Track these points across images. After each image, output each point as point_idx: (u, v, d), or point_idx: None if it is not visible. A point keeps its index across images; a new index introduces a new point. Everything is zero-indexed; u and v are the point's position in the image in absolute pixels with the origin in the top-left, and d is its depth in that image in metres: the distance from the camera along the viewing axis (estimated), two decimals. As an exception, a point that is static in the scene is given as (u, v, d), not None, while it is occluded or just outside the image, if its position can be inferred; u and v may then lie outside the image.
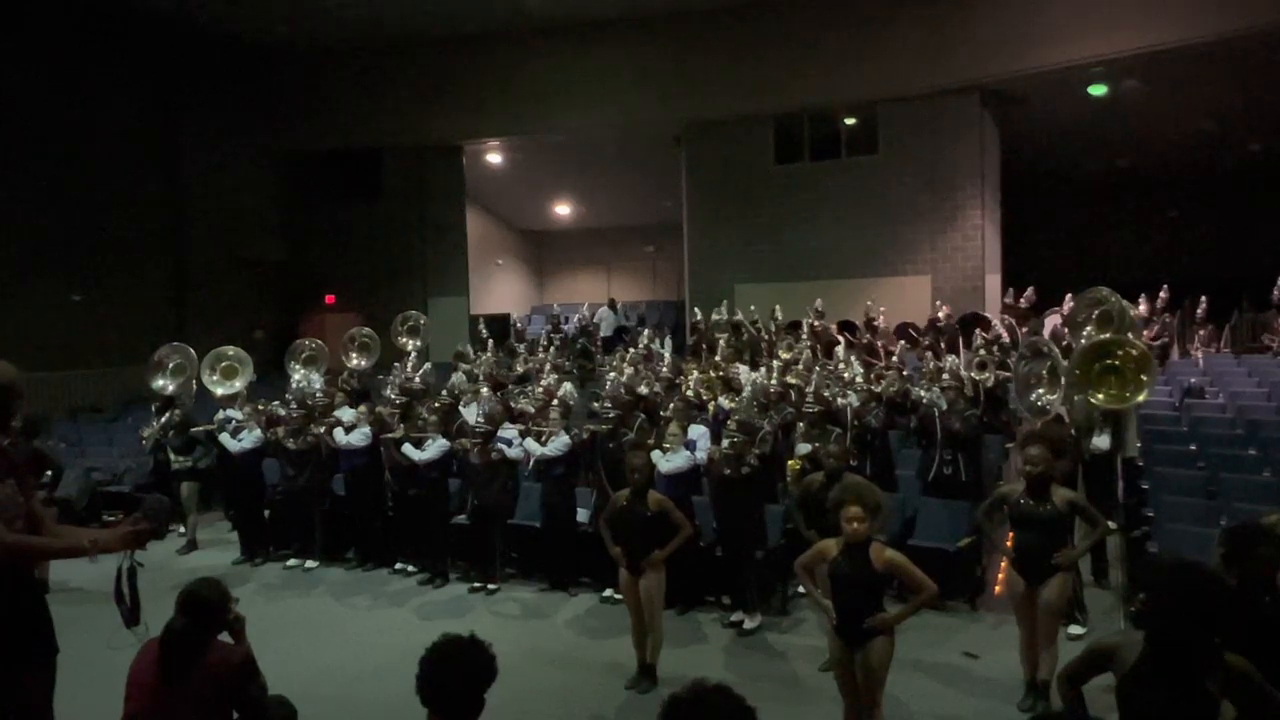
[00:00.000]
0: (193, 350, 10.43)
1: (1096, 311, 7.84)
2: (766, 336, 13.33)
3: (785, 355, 11.38)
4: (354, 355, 11.79)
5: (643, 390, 9.46)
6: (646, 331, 14.09)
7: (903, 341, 12.59)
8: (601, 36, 17.06)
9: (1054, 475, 5.34)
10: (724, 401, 9.24)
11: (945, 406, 7.95)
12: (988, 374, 9.84)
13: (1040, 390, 7.24)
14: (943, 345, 12.39)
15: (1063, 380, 6.93)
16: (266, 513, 9.42)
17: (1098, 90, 14.73)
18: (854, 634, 4.41)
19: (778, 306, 13.95)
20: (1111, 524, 7.37)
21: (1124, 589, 2.81)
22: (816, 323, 13.34)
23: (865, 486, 5.22)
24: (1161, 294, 12.76)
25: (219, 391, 10.11)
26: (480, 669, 2.54)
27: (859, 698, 4.48)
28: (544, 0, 15.71)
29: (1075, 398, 7.01)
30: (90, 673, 5.62)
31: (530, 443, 8.10)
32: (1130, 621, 2.84)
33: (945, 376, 8.51)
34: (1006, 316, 13.36)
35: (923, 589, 4.40)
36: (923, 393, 8.52)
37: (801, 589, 5.17)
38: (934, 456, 7.93)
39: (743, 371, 10.61)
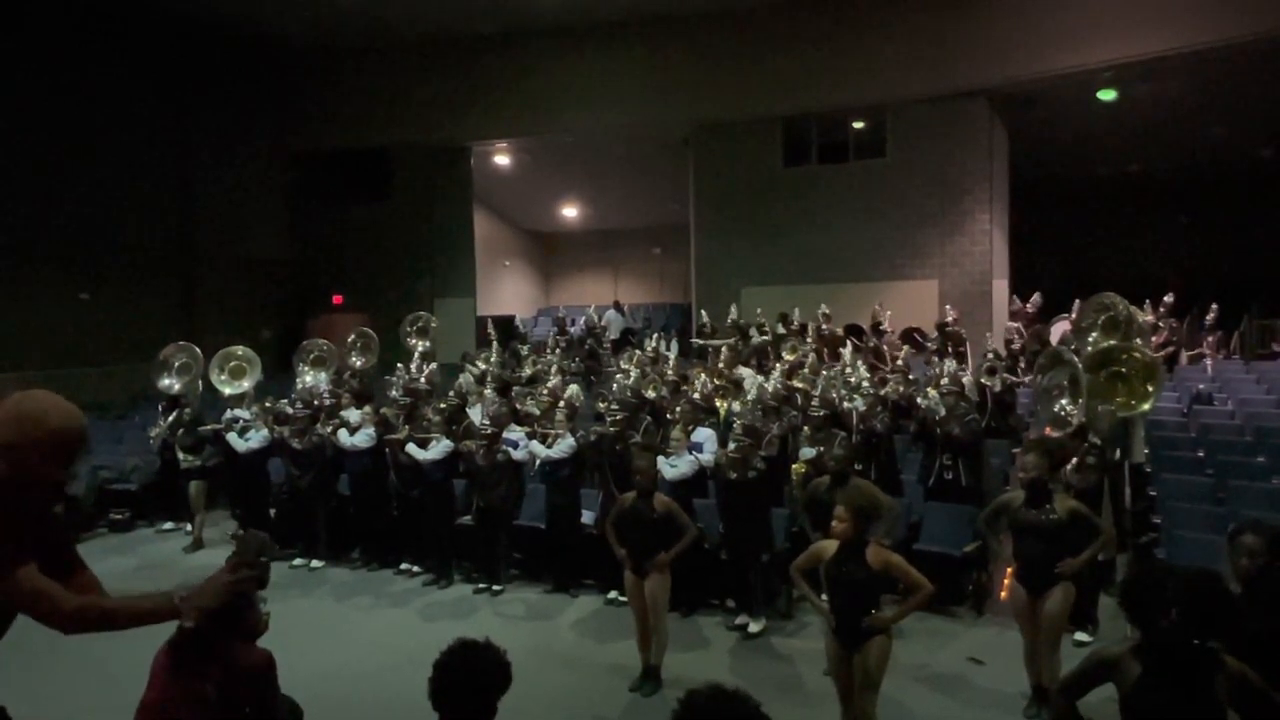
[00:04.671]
0: (198, 349, 10.48)
1: (1103, 317, 7.80)
2: (769, 336, 13.32)
3: (789, 357, 11.37)
4: (354, 355, 11.85)
5: (649, 393, 9.47)
6: (655, 334, 14.09)
7: (908, 346, 12.57)
8: (610, 38, 17.08)
9: (1050, 482, 5.30)
10: (735, 405, 9.22)
11: (944, 412, 7.93)
12: (996, 379, 9.81)
13: (1063, 401, 7.10)
14: (949, 349, 12.36)
15: (1084, 390, 6.80)
16: (272, 512, 9.45)
17: (1107, 95, 14.69)
18: (852, 635, 4.41)
19: (797, 310, 13.95)
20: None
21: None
22: (824, 326, 13.33)
23: (858, 491, 5.22)
24: (1166, 299, 12.71)
25: (227, 391, 10.15)
26: (494, 675, 2.54)
27: (855, 699, 4.48)
28: (554, 1, 15.74)
29: (1100, 408, 6.92)
30: (104, 674, 5.66)
31: (536, 444, 8.11)
32: (1135, 626, 2.82)
33: (945, 381, 8.48)
34: (1014, 322, 13.32)
35: (919, 588, 4.41)
36: (920, 400, 8.51)
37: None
38: (934, 462, 7.91)
39: (748, 375, 10.60)
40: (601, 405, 8.79)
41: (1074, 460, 6.61)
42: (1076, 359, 7.33)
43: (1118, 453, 7.08)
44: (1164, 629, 2.62)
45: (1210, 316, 13.01)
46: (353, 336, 12.07)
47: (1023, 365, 11.51)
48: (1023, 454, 5.41)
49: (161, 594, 2.36)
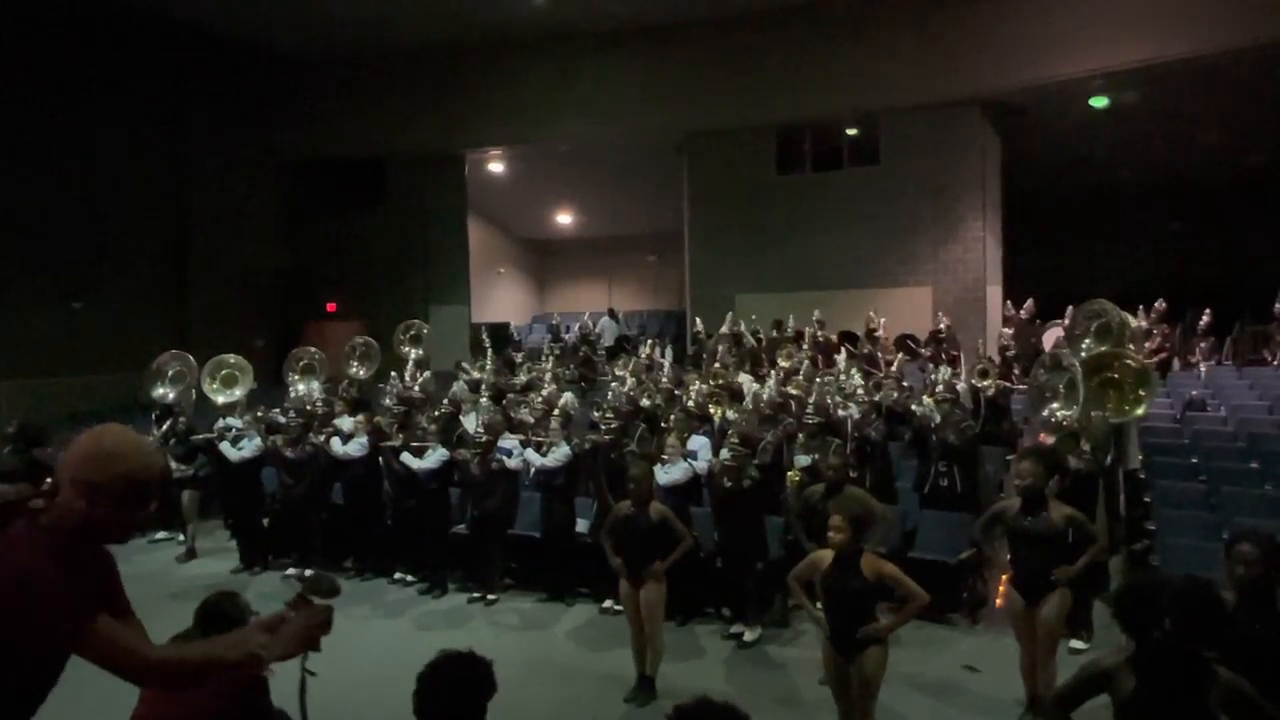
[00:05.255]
0: (192, 358, 10.44)
1: (1095, 324, 7.82)
2: (762, 342, 13.33)
3: (785, 364, 11.37)
4: (355, 364, 11.80)
5: (644, 401, 9.46)
6: (649, 341, 14.08)
7: (902, 353, 12.58)
8: (604, 46, 17.12)
9: (1046, 489, 5.30)
10: (730, 413, 9.21)
11: (939, 419, 7.94)
12: (988, 382, 9.80)
13: (1055, 405, 7.17)
14: (943, 356, 12.37)
15: (1080, 395, 6.85)
16: (265, 521, 9.41)
17: (1099, 102, 14.77)
18: (848, 644, 4.41)
19: (791, 317, 13.98)
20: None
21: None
22: (819, 333, 13.34)
23: (853, 499, 5.23)
24: (1157, 305, 12.77)
25: (219, 399, 10.11)
26: (477, 685, 2.53)
27: (853, 708, 4.48)
28: (548, 7, 15.76)
29: (1093, 413, 6.96)
30: (96, 686, 5.61)
31: (530, 453, 8.09)
32: (1129, 634, 2.82)
33: (940, 389, 8.50)
34: (1008, 328, 13.36)
35: (914, 598, 4.42)
36: (915, 407, 8.52)
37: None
38: (929, 469, 7.92)
39: (745, 382, 10.59)
40: (597, 415, 8.77)
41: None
42: (1078, 365, 7.37)
43: (1108, 458, 7.09)
44: (1158, 639, 2.62)
45: (1203, 322, 13.05)
46: (357, 341, 12.02)
47: (1016, 371, 11.53)
48: (1019, 461, 5.42)
49: (236, 640, 2.18)
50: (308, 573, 2.53)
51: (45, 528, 1.99)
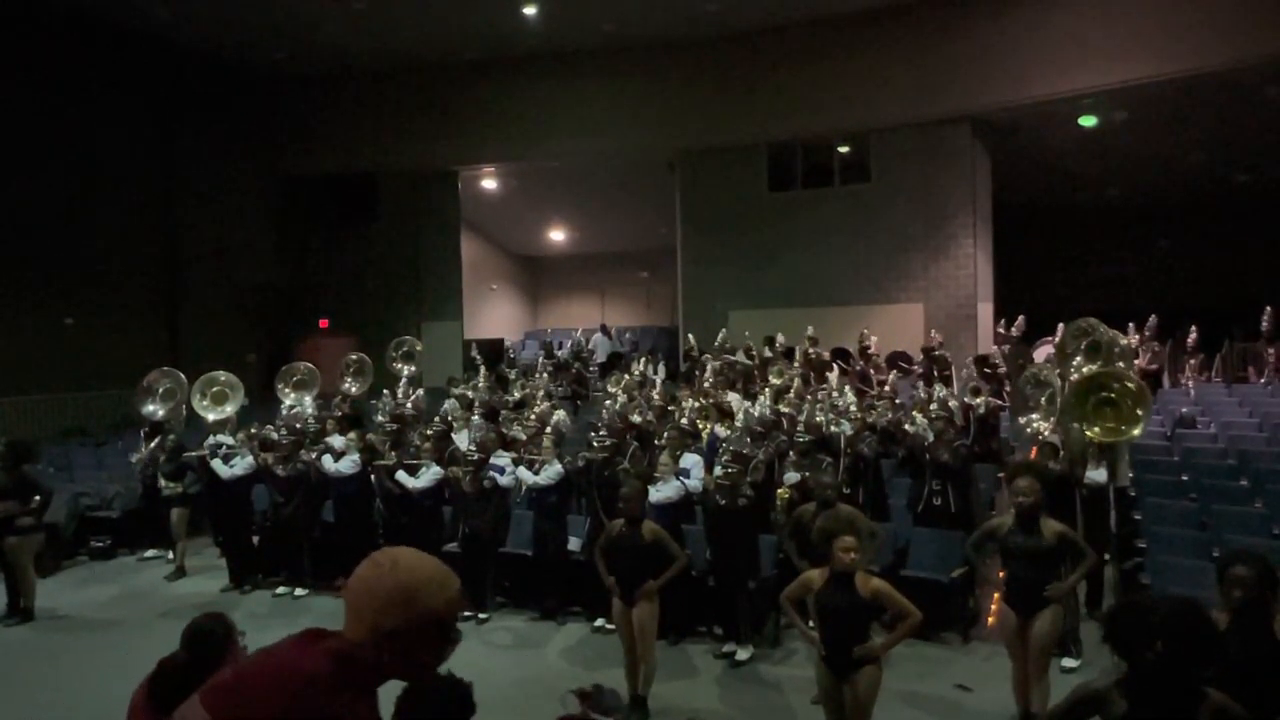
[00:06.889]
0: (182, 375, 10.40)
1: (1084, 342, 7.87)
2: (756, 360, 13.35)
3: (777, 381, 11.38)
4: (348, 380, 11.77)
5: (635, 418, 9.45)
6: (641, 358, 14.09)
7: (894, 372, 12.62)
8: (597, 63, 17.22)
9: (1042, 507, 5.32)
10: (720, 430, 9.21)
11: (933, 437, 7.96)
12: (980, 400, 9.84)
13: (1034, 416, 7.31)
14: (935, 374, 12.40)
15: (1057, 410, 6.97)
16: (256, 539, 9.35)
17: (1088, 121, 14.90)
18: (842, 664, 4.40)
19: (780, 335, 14.00)
20: (1106, 556, 7.38)
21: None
22: (810, 350, 13.35)
23: (857, 516, 5.24)
24: (1150, 321, 12.83)
25: (210, 417, 10.07)
26: (457, 707, 2.51)
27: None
28: (541, 26, 15.85)
29: (1074, 427, 7.02)
30: (82, 703, 5.57)
31: (523, 471, 8.07)
32: (1120, 656, 2.82)
33: (934, 407, 8.53)
34: (999, 345, 13.41)
35: (908, 616, 4.42)
36: (908, 426, 8.54)
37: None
38: (923, 487, 7.93)
39: (735, 400, 10.60)
40: (591, 435, 8.76)
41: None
42: (1057, 380, 7.45)
43: (1099, 474, 7.11)
44: (1150, 661, 2.62)
45: (1191, 339, 13.12)
46: (350, 358, 11.99)
47: (1007, 389, 11.56)
48: (1014, 478, 5.42)
49: None
50: (588, 687, 2.25)
51: (348, 665, 1.73)
